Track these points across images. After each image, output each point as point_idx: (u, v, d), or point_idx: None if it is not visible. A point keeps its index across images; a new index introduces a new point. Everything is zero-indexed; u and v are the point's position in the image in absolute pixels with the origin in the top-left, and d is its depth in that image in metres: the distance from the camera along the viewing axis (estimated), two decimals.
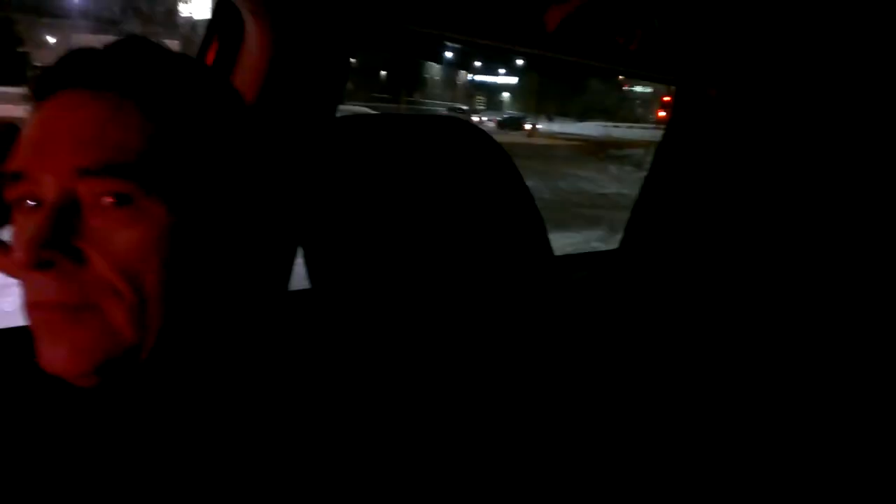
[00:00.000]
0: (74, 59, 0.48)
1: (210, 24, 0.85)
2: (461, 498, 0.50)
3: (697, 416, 1.30)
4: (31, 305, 0.47)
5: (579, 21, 1.07)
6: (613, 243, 1.90)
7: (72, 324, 0.45)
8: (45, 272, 0.44)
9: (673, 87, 1.79)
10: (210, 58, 0.84)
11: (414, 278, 0.63)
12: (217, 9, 0.84)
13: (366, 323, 0.60)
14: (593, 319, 1.36)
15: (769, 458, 1.26)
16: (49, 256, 0.44)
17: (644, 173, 1.86)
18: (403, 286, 0.63)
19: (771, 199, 1.74)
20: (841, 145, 1.65)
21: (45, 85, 0.48)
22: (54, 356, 0.46)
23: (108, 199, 0.45)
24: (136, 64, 0.48)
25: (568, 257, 1.83)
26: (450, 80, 52.00)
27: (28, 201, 0.47)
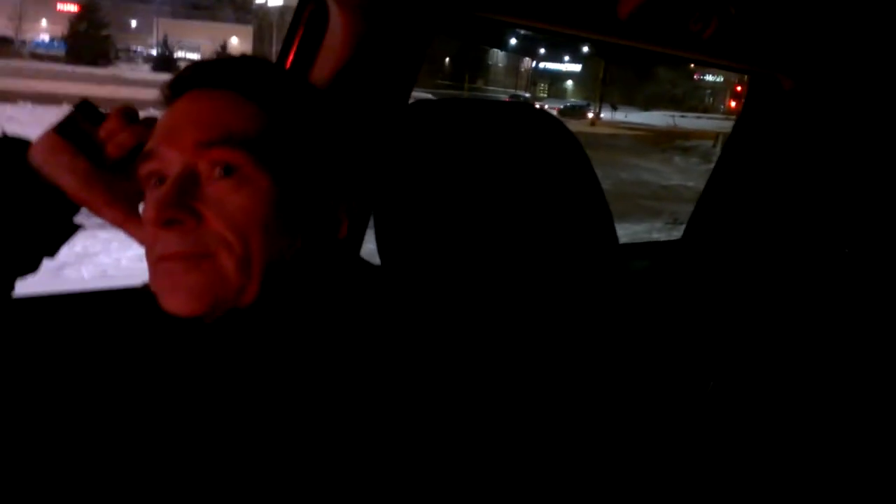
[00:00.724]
0: (196, 68, 0.60)
1: (296, 12, 0.90)
2: (539, 478, 0.54)
3: (756, 411, 1.29)
4: (158, 259, 0.55)
5: (654, 7, 1.07)
6: (674, 236, 1.87)
7: (191, 271, 0.54)
8: (171, 228, 0.54)
9: (745, 77, 1.74)
10: (295, 44, 0.89)
11: (481, 260, 0.66)
12: None
13: (432, 300, 0.63)
14: (653, 309, 1.36)
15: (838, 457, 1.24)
16: (174, 215, 0.53)
17: (711, 166, 1.83)
18: (471, 267, 0.66)
19: (845, 199, 1.68)
20: None
21: (174, 88, 0.59)
22: (176, 299, 0.55)
23: (220, 170, 0.54)
24: (244, 69, 0.59)
25: (627, 246, 1.81)
26: (513, 67, 51.47)
27: (155, 179, 0.57)
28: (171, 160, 0.55)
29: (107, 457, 0.58)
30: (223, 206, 0.54)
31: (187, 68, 0.61)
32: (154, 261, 0.56)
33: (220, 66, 0.59)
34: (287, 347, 0.56)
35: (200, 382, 0.57)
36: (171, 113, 0.58)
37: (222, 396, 0.56)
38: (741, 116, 1.74)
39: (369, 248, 0.87)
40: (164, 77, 0.63)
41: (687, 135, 21.00)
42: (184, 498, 0.54)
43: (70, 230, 0.63)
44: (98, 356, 0.64)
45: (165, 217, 0.53)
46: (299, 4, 0.89)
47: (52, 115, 0.66)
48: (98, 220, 0.63)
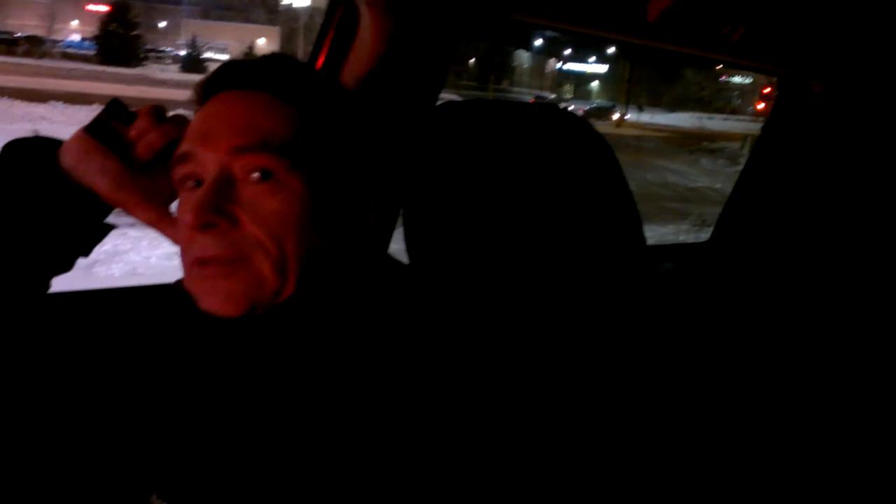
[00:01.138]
0: (228, 68, 0.60)
1: (326, 14, 0.91)
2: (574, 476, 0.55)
3: (784, 417, 1.27)
4: (194, 262, 0.56)
5: (683, 10, 1.06)
6: (701, 238, 1.86)
7: (227, 276, 0.55)
8: (208, 232, 0.54)
9: (774, 78, 1.72)
10: (325, 46, 0.90)
11: (508, 260, 0.66)
12: (333, 1, 0.90)
13: (460, 299, 0.63)
14: (680, 311, 1.35)
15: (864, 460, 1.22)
16: (212, 219, 0.54)
17: (738, 168, 1.81)
18: (498, 267, 0.66)
19: (874, 204, 1.65)
20: None
21: (206, 89, 0.59)
22: (214, 302, 0.55)
23: (256, 175, 0.55)
24: (277, 69, 0.59)
25: (654, 248, 1.80)
26: (538, 68, 51.25)
27: (191, 182, 0.57)
28: (207, 163, 0.56)
29: (140, 449, 0.60)
30: (259, 209, 0.55)
31: (219, 69, 0.61)
32: (190, 263, 0.56)
33: (252, 67, 0.59)
34: (319, 344, 0.57)
35: (233, 377, 0.58)
36: (204, 114, 0.59)
37: (254, 391, 0.57)
38: (770, 119, 1.72)
39: (394, 248, 0.88)
40: (193, 77, 0.63)
41: (714, 136, 20.74)
42: (222, 488, 0.55)
43: (103, 230, 0.63)
44: (129, 352, 0.65)
45: (203, 221, 0.53)
46: (329, 7, 0.91)
47: (84, 114, 0.66)
48: (129, 218, 0.63)
